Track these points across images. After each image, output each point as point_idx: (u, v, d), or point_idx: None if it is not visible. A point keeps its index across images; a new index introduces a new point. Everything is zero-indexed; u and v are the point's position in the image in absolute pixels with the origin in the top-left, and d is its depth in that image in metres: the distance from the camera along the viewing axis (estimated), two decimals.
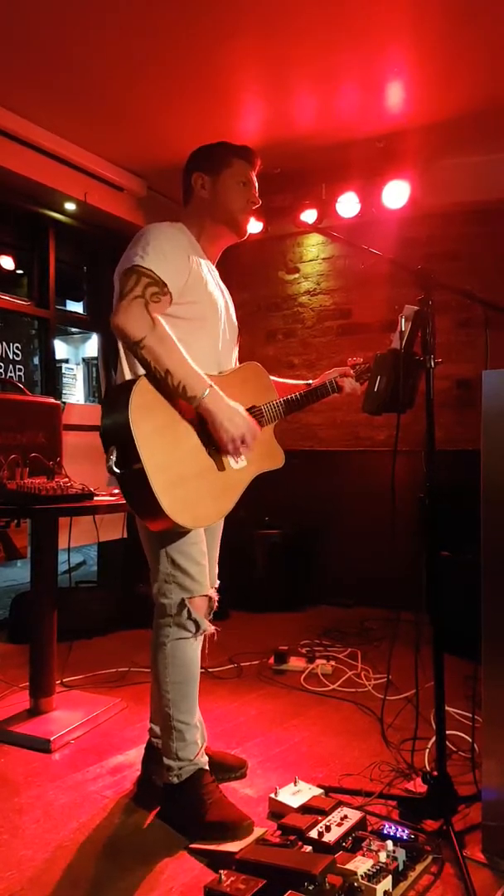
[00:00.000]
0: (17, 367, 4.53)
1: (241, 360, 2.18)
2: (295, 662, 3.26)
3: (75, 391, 7.86)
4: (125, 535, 3.86)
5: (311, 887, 1.48)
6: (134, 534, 2.26)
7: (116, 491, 2.47)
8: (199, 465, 1.84)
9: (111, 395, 1.87)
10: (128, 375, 1.89)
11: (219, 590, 2.10)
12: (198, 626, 1.91)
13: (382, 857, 1.58)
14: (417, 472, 1.94)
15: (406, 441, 2.02)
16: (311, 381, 2.25)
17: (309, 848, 1.65)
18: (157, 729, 2.08)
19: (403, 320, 1.92)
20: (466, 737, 2.39)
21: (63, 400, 5.09)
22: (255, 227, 4.41)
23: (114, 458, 1.72)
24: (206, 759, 1.97)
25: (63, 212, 4.32)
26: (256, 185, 2.07)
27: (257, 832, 1.82)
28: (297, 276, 5.04)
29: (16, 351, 4.50)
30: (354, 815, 1.78)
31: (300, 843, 1.67)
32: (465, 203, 4.28)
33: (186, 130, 3.74)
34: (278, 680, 3.12)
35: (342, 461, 4.79)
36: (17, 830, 1.89)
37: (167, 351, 1.74)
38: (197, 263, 1.93)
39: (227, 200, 2.02)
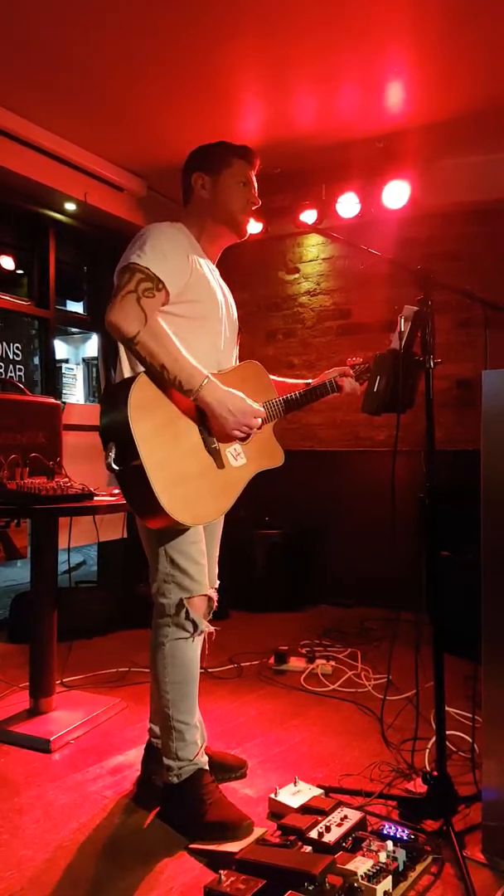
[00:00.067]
0: (17, 367, 4.53)
1: (241, 360, 2.18)
2: (295, 662, 3.26)
3: (75, 391, 7.86)
4: (125, 535, 3.86)
5: (311, 887, 1.48)
6: (134, 534, 2.26)
7: (116, 491, 2.48)
8: (198, 462, 1.84)
9: (110, 392, 1.87)
10: (127, 374, 1.89)
11: (219, 590, 2.10)
12: (196, 626, 1.91)
13: (382, 857, 1.58)
14: (417, 472, 1.94)
15: (406, 441, 2.02)
16: (310, 381, 2.25)
17: (309, 848, 1.65)
18: (156, 729, 2.08)
19: (403, 320, 1.92)
20: (466, 737, 2.38)
21: (63, 400, 5.08)
22: (255, 227, 4.41)
23: (112, 454, 1.72)
24: (205, 759, 1.97)
25: (63, 212, 4.32)
26: (256, 185, 2.07)
27: (257, 832, 1.82)
28: (297, 276, 5.04)
29: (16, 351, 4.50)
30: (354, 816, 1.78)
31: (300, 844, 1.67)
32: (464, 203, 4.28)
33: (186, 130, 3.74)
34: (278, 680, 3.12)
35: (342, 461, 4.79)
36: (17, 830, 1.89)
37: (162, 346, 1.74)
38: (197, 263, 1.93)
39: (227, 200, 2.02)
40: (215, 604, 2.02)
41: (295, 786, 2.01)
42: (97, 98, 3.48)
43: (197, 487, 1.82)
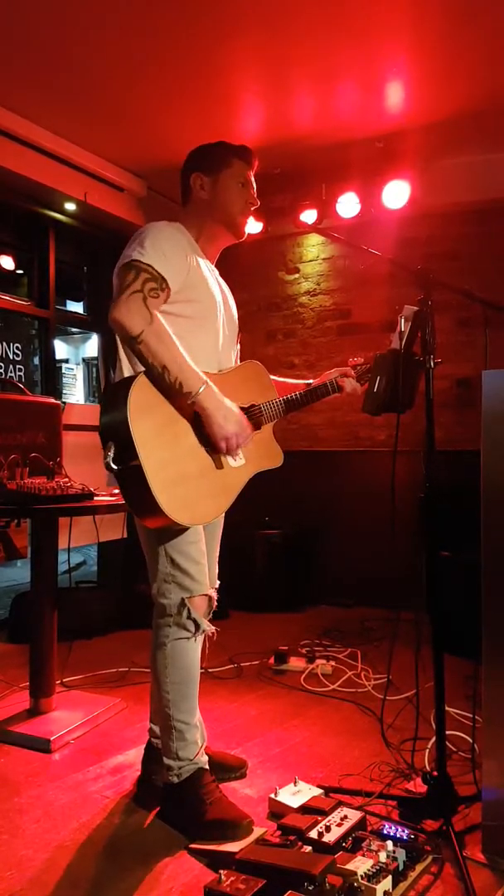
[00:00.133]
0: (17, 367, 4.53)
1: (241, 360, 2.18)
2: (295, 662, 3.26)
3: (75, 391, 7.86)
4: (125, 535, 3.87)
5: (311, 887, 1.48)
6: (134, 534, 2.25)
7: (116, 491, 2.48)
8: (197, 463, 1.84)
9: (110, 391, 1.86)
10: (127, 373, 1.89)
11: (219, 590, 2.10)
12: (197, 626, 1.91)
13: (382, 857, 1.58)
14: (417, 472, 1.94)
15: (406, 441, 2.02)
16: (311, 381, 2.25)
17: (309, 848, 1.65)
18: (156, 729, 2.08)
19: (403, 320, 1.92)
20: (466, 737, 2.39)
21: (63, 400, 5.08)
22: (254, 227, 4.41)
23: (111, 454, 1.72)
24: (205, 758, 1.97)
25: (63, 212, 4.32)
26: (255, 185, 2.07)
27: (257, 832, 1.82)
28: (297, 276, 5.04)
29: (16, 351, 4.50)
30: (354, 816, 1.78)
31: (300, 844, 1.67)
32: (464, 203, 4.28)
33: (186, 130, 3.74)
34: (278, 680, 3.12)
35: (342, 461, 4.79)
36: (18, 830, 1.89)
37: (164, 346, 1.74)
38: (195, 262, 1.93)
39: (226, 201, 2.02)
40: (215, 604, 2.02)
41: (295, 786, 2.01)
42: (97, 98, 3.48)
43: (195, 488, 1.82)
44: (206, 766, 1.95)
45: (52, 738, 2.40)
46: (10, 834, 1.87)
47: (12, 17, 2.80)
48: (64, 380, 7.62)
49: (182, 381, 1.75)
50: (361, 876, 1.51)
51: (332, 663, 3.24)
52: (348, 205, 4.25)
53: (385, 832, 1.73)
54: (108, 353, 4.81)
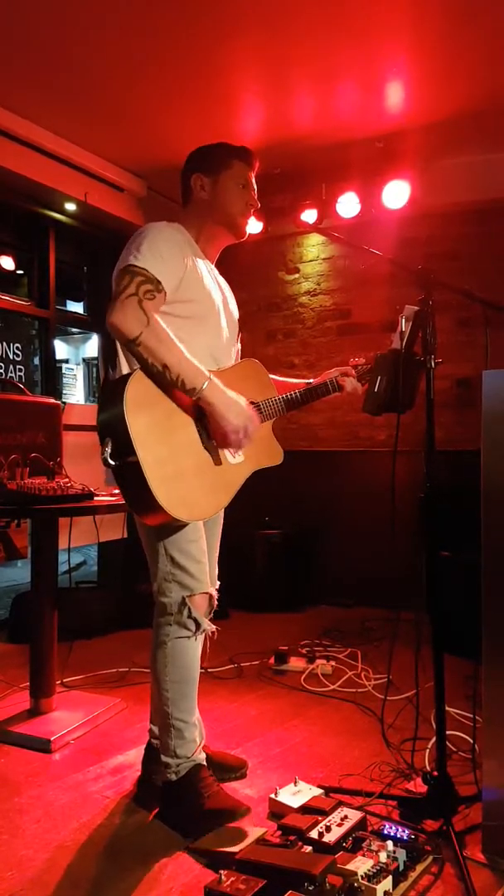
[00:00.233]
0: (18, 367, 4.53)
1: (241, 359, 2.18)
2: (295, 662, 3.26)
3: (75, 391, 7.87)
4: (125, 535, 3.86)
5: (311, 888, 1.48)
6: (134, 534, 2.26)
7: (116, 491, 2.47)
8: (195, 459, 1.84)
9: (107, 388, 1.87)
10: (125, 373, 1.89)
11: (219, 590, 2.10)
12: (198, 625, 1.91)
13: (383, 857, 1.58)
14: (417, 472, 1.94)
15: (406, 441, 2.02)
16: (311, 381, 2.25)
17: (309, 848, 1.65)
18: (156, 730, 2.08)
19: (404, 320, 1.92)
20: (466, 737, 2.38)
21: (63, 400, 5.08)
22: (254, 227, 4.41)
23: (108, 450, 1.72)
24: (203, 755, 1.97)
25: (63, 212, 4.32)
26: (255, 186, 2.07)
27: (257, 832, 1.82)
28: (297, 276, 5.04)
29: (16, 351, 4.50)
30: (355, 816, 1.78)
31: (300, 844, 1.67)
32: (464, 203, 4.28)
33: (186, 130, 3.74)
34: (278, 680, 3.12)
35: (342, 461, 4.79)
36: (18, 830, 1.89)
37: (164, 346, 1.74)
38: (194, 262, 1.93)
39: (226, 202, 2.02)
40: (216, 603, 2.02)
41: (295, 786, 2.01)
42: (97, 98, 3.48)
43: (194, 484, 1.82)
44: (204, 763, 1.95)
45: (52, 739, 2.40)
46: (10, 834, 1.87)
47: (12, 17, 2.80)
48: (64, 380, 7.63)
49: (184, 379, 1.76)
50: (362, 876, 1.51)
51: (333, 663, 3.24)
52: (348, 205, 4.25)
53: (385, 832, 1.73)
54: (108, 353, 4.80)
